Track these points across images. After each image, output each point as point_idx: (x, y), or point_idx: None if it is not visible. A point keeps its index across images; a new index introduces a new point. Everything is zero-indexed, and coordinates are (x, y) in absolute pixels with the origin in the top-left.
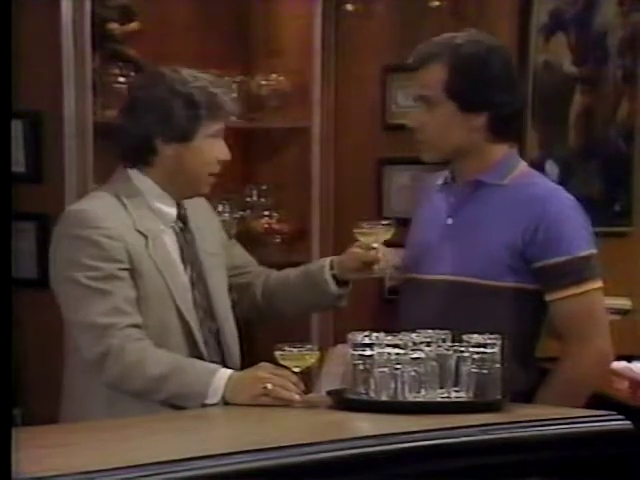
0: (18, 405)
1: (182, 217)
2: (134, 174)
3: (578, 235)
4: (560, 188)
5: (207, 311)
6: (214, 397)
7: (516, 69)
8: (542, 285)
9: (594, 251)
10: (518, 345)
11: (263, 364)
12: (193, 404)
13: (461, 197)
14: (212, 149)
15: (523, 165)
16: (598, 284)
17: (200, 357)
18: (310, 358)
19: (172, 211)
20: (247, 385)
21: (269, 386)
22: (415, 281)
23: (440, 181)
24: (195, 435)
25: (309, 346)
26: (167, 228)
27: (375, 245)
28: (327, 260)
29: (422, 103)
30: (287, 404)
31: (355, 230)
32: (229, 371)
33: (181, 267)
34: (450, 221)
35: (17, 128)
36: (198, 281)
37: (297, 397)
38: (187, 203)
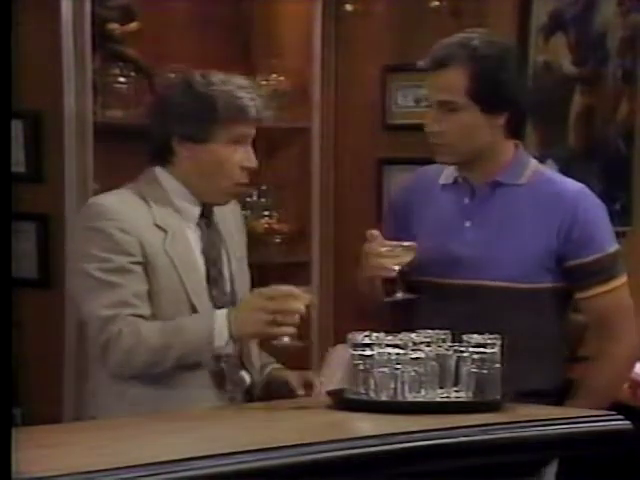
0: (18, 405)
1: (207, 216)
2: (160, 173)
3: (608, 232)
4: (584, 185)
5: None
6: (221, 339)
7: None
8: (573, 283)
9: (618, 247)
10: (553, 344)
11: (257, 291)
12: (205, 355)
13: (478, 199)
14: (233, 154)
15: (533, 162)
16: (625, 279)
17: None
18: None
19: (196, 210)
20: (250, 317)
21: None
22: (437, 286)
23: (444, 180)
24: (195, 435)
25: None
26: (190, 225)
27: (396, 268)
28: None
29: (442, 107)
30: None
31: (371, 251)
32: (225, 310)
33: (201, 265)
34: (469, 224)
35: (17, 128)
36: (220, 280)
37: (301, 309)
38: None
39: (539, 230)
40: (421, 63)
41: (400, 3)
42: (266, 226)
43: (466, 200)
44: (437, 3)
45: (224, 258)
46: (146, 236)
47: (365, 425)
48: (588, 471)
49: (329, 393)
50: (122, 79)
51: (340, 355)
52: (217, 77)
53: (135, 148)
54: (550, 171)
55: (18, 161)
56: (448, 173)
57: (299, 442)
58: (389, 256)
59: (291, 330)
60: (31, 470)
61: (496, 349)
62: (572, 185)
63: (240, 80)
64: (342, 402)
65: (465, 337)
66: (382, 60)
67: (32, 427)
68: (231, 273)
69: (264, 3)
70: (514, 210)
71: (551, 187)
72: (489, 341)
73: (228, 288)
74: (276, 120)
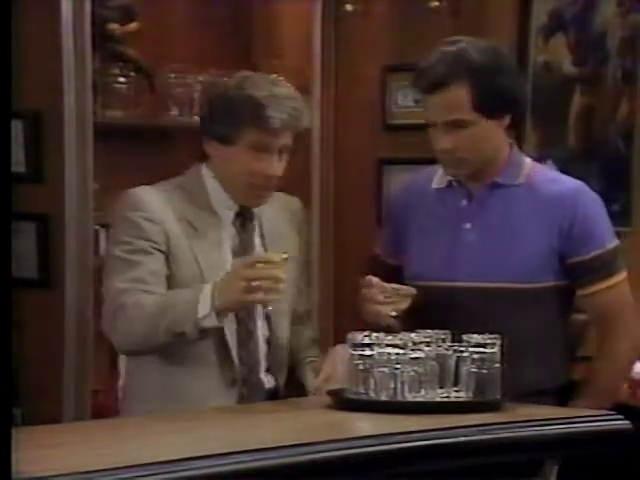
0: (18, 405)
1: (245, 216)
2: (204, 171)
3: (607, 228)
4: (582, 182)
5: (251, 313)
6: (204, 309)
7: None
8: (575, 280)
9: (618, 242)
10: (557, 343)
11: (237, 260)
12: (190, 325)
13: (476, 200)
14: (255, 159)
15: (528, 161)
16: (625, 275)
17: (225, 350)
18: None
19: (231, 210)
20: (229, 285)
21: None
22: (440, 290)
23: (437, 185)
24: (194, 435)
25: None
26: (225, 225)
27: (393, 314)
28: None
29: (449, 126)
30: (274, 298)
31: (369, 298)
32: (211, 283)
33: (230, 264)
34: (469, 225)
35: (17, 128)
36: None
37: (282, 276)
38: (278, 206)
39: (540, 229)
40: (419, 85)
41: (400, 3)
42: None
43: (464, 202)
44: (437, 3)
45: None
46: (173, 228)
47: (364, 425)
48: (588, 471)
49: (329, 393)
50: (122, 79)
51: (340, 355)
52: (250, 81)
53: (135, 148)
54: (545, 169)
55: (18, 161)
56: (441, 177)
57: (298, 442)
58: (386, 303)
59: (272, 297)
60: (31, 470)
61: (496, 349)
62: (570, 182)
63: (278, 88)
64: (342, 402)
65: (465, 337)
66: (382, 60)
67: (32, 427)
68: None
69: (264, 3)
70: (514, 210)
71: (549, 186)
72: (489, 341)
73: None
74: None
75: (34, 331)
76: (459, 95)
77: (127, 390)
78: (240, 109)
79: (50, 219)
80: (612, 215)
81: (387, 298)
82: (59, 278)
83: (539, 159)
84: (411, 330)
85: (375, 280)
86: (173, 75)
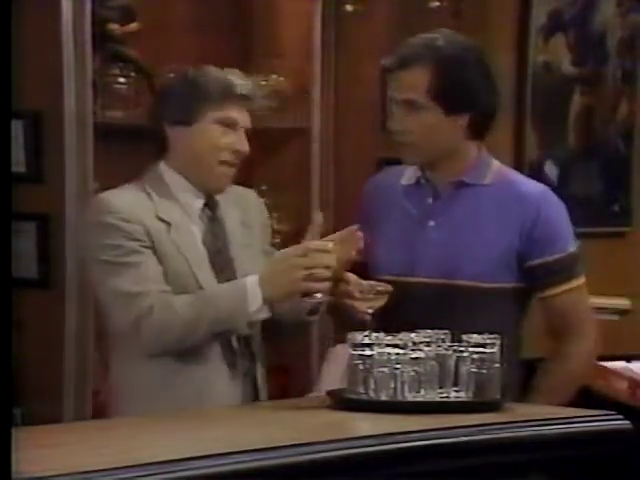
0: (18, 405)
1: (211, 208)
2: (162, 167)
3: (569, 232)
4: (546, 187)
5: None
6: (255, 302)
7: (491, 67)
8: (535, 283)
9: (578, 247)
10: (511, 344)
11: (286, 250)
12: (239, 322)
13: (442, 198)
14: (223, 136)
15: (496, 163)
16: (584, 279)
17: (227, 342)
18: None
19: (198, 202)
20: (285, 275)
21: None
22: (401, 285)
23: (407, 181)
24: (194, 435)
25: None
26: (193, 218)
27: (370, 311)
28: None
29: (405, 106)
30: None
31: (346, 293)
32: (255, 276)
33: (206, 255)
34: (432, 223)
35: (17, 128)
36: (227, 269)
37: (333, 264)
38: (233, 197)
39: (502, 230)
40: (385, 62)
41: (400, 3)
42: None
43: (430, 200)
44: (437, 3)
45: (230, 248)
46: (152, 226)
47: (364, 425)
48: (587, 471)
49: (328, 393)
50: (122, 79)
51: (340, 355)
52: (211, 68)
53: (135, 148)
54: (513, 172)
55: (18, 161)
56: (410, 174)
57: (297, 442)
58: (363, 299)
59: (326, 285)
60: (31, 470)
61: (495, 349)
62: (535, 186)
63: (233, 70)
64: (342, 402)
65: (464, 337)
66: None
67: (32, 427)
68: (238, 262)
69: (264, 3)
70: (478, 210)
71: (514, 188)
72: (488, 341)
73: (236, 277)
74: (276, 120)
75: (34, 331)
76: (418, 76)
77: (123, 389)
78: (203, 85)
79: (50, 219)
80: (612, 215)
81: (364, 295)
82: (59, 278)
83: (538, 160)
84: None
85: (352, 277)
86: (173, 75)
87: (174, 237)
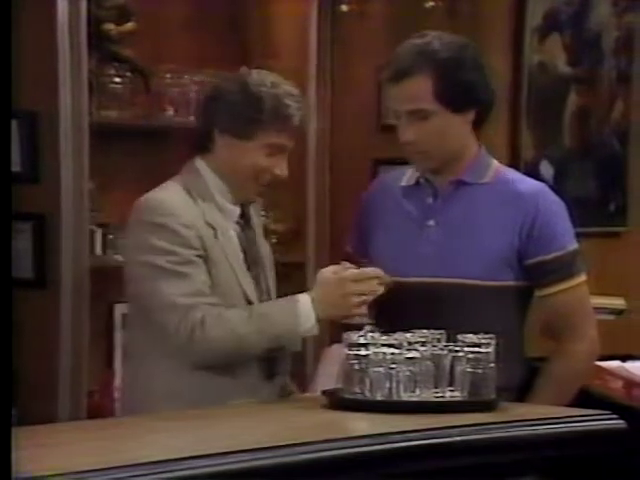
0: (15, 405)
1: (245, 216)
2: (200, 166)
3: (568, 230)
4: (544, 185)
5: None
6: (308, 321)
7: (484, 61)
8: (534, 281)
9: (578, 245)
10: (514, 343)
11: (343, 274)
12: (293, 339)
13: (441, 198)
14: (267, 157)
15: (495, 162)
16: (584, 277)
17: (268, 357)
18: None
19: (235, 209)
20: (340, 299)
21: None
22: (402, 284)
23: (406, 182)
24: (193, 434)
25: None
26: (232, 224)
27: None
28: None
29: (413, 117)
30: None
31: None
32: (306, 295)
33: (245, 264)
34: (432, 222)
35: (13, 128)
36: (261, 278)
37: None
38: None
39: (501, 228)
40: (383, 76)
41: (396, 3)
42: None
43: (429, 200)
44: (433, 4)
45: (261, 257)
46: (201, 231)
47: (359, 425)
48: (582, 470)
49: (324, 393)
50: (118, 79)
51: (336, 354)
52: (269, 78)
53: (131, 148)
54: (511, 171)
55: (14, 161)
56: (410, 175)
57: (293, 442)
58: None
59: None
60: (30, 469)
61: (491, 349)
62: (533, 184)
63: (289, 87)
64: (337, 401)
65: (460, 337)
66: (378, 61)
67: (31, 427)
68: (265, 271)
69: (261, 4)
70: (477, 209)
71: (513, 186)
72: (484, 341)
73: (264, 285)
74: None
75: (29, 331)
76: (421, 85)
77: (149, 394)
78: (264, 106)
79: (46, 219)
80: (608, 215)
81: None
82: (55, 278)
83: (534, 160)
84: (382, 325)
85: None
86: (169, 75)
87: (221, 243)
